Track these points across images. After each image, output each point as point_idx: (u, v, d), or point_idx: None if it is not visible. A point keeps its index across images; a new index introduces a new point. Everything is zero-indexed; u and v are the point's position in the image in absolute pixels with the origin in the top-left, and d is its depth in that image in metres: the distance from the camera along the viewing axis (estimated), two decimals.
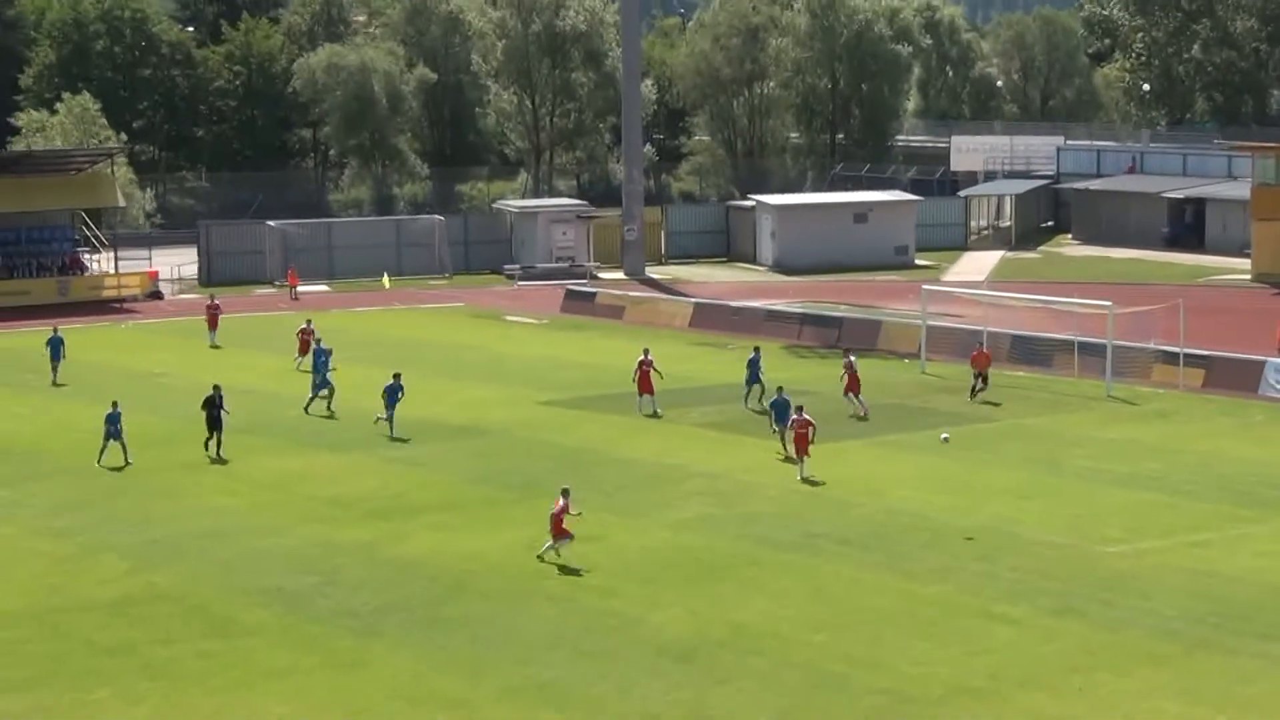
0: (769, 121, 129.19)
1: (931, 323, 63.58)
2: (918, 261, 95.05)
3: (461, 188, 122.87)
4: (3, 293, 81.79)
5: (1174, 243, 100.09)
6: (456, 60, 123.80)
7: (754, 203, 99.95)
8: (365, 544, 38.62)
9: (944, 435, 43.79)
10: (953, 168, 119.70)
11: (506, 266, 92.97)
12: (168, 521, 40.79)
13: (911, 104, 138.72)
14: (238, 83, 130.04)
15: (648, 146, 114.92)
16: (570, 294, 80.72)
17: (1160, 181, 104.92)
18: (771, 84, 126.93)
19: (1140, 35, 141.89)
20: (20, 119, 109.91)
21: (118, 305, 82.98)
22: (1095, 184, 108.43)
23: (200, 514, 41.51)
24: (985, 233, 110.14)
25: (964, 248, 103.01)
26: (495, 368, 62.77)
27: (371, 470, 46.13)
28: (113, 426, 46.70)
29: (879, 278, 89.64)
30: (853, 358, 54.61)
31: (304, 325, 62.20)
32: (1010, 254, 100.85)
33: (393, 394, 49.89)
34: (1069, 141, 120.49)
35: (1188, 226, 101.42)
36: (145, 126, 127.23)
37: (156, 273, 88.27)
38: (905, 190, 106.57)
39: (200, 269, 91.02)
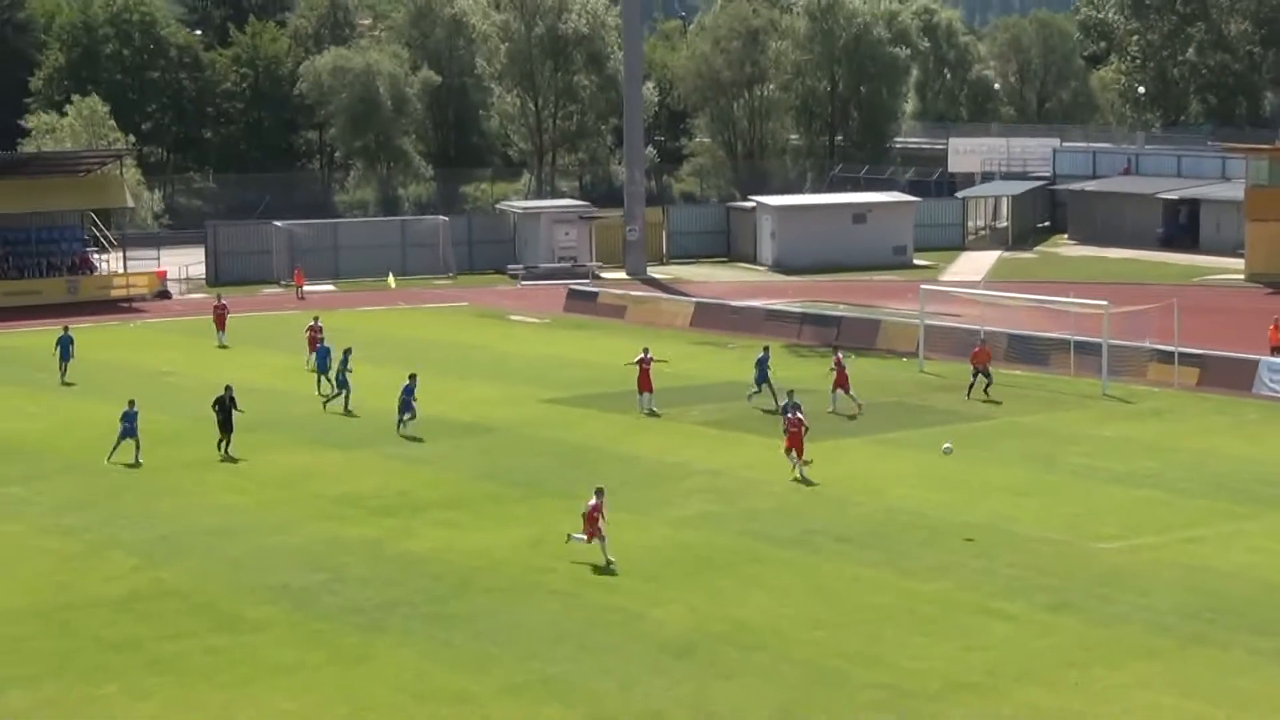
0: (769, 123, 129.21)
1: (929, 322, 63.56)
2: (916, 261, 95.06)
3: (465, 189, 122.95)
4: (13, 292, 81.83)
5: (1169, 243, 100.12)
6: (460, 63, 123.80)
7: (754, 203, 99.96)
8: (371, 541, 38.61)
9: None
10: (950, 169, 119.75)
11: (510, 266, 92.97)
12: (175, 519, 40.77)
13: (909, 106, 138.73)
14: (245, 85, 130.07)
15: (649, 148, 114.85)
16: (573, 293, 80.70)
17: (1155, 183, 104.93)
18: (771, 86, 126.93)
19: (1135, 38, 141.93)
20: (30, 121, 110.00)
21: (126, 305, 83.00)
22: (1091, 185, 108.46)
23: (207, 511, 41.48)
24: (982, 233, 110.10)
25: (961, 248, 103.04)
26: (499, 366, 62.77)
27: (378, 468, 46.12)
28: (128, 424, 46.68)
29: (877, 278, 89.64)
30: (840, 354, 54.51)
31: (311, 324, 62.18)
32: (1007, 254, 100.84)
33: (406, 394, 49.78)
34: (1065, 143, 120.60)
35: (1182, 227, 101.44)
36: (154, 128, 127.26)
37: (164, 273, 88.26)
38: (903, 191, 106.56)
39: (208, 269, 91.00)
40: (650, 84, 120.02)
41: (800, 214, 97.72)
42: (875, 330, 67.53)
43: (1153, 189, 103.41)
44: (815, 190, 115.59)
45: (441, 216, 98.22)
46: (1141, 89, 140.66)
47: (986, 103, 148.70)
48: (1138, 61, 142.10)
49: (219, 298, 72.85)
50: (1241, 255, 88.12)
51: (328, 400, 54.16)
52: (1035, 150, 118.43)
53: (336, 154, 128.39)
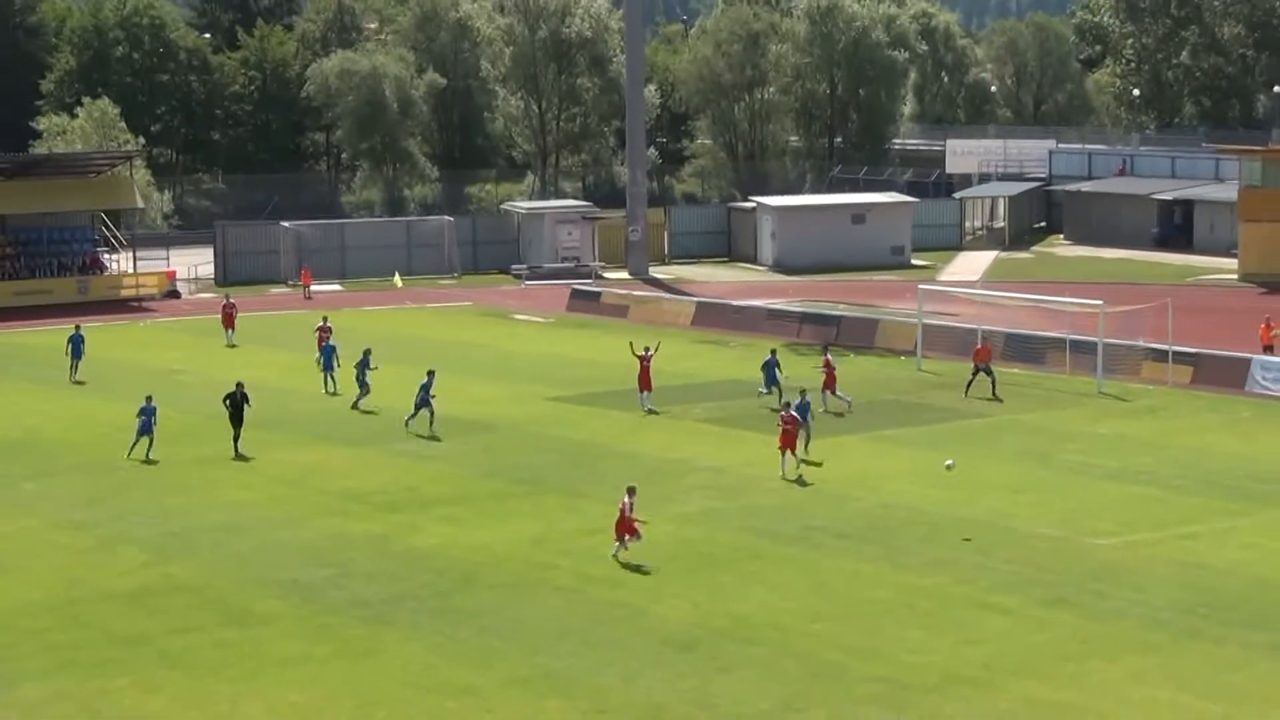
0: (769, 125, 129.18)
1: (927, 321, 63.54)
2: (914, 261, 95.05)
3: (470, 190, 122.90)
4: (24, 291, 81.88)
5: (1163, 243, 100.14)
6: (465, 66, 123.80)
7: (755, 204, 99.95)
8: (378, 537, 38.63)
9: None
10: (948, 170, 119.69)
11: (514, 266, 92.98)
12: (185, 515, 40.80)
13: (908, 108, 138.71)
14: (253, 88, 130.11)
15: (651, 150, 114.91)
16: (576, 293, 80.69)
17: (1150, 184, 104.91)
18: (772, 89, 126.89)
19: (1130, 41, 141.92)
20: (42, 123, 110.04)
21: (136, 304, 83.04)
22: (1086, 186, 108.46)
23: (216, 507, 41.51)
24: (980, 233, 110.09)
25: (959, 248, 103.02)
26: (503, 365, 62.77)
27: (384, 465, 46.14)
28: (145, 420, 46.71)
29: (876, 277, 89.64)
30: (829, 354, 54.46)
31: (320, 323, 62.16)
32: (1004, 254, 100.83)
33: (423, 391, 49.75)
34: (1061, 145, 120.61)
35: (1176, 227, 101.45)
36: (163, 130, 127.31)
37: (174, 272, 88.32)
38: (902, 192, 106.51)
39: (216, 269, 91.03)
40: (652, 87, 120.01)
41: (800, 215, 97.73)
42: (874, 329, 67.54)
43: (1147, 190, 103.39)
44: (815, 191, 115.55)
45: (446, 217, 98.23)
46: (1136, 91, 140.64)
47: (983, 105, 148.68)
48: (1132, 64, 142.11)
49: (227, 297, 72.87)
50: (1235, 255, 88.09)
51: (356, 401, 53.89)
52: (1031, 152, 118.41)
53: (343, 155, 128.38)
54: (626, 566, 35.68)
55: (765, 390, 53.42)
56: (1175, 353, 57.40)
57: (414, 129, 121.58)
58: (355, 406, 53.63)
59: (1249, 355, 57.68)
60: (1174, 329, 57.63)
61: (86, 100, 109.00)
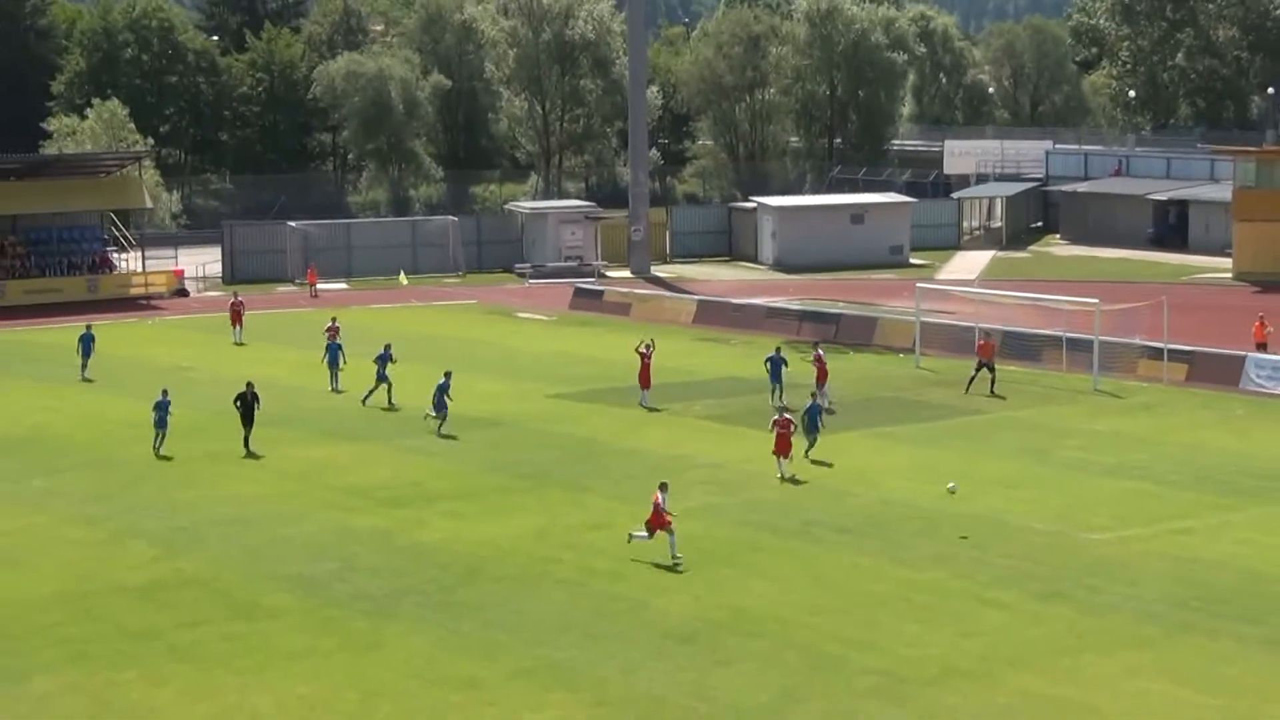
0: (770, 126, 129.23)
1: (925, 319, 63.53)
2: (912, 261, 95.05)
3: (475, 190, 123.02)
4: (35, 290, 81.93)
5: (1158, 243, 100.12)
6: (470, 68, 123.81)
7: (755, 204, 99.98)
8: (383, 531, 38.65)
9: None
10: (946, 171, 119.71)
11: (518, 265, 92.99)
12: (193, 509, 40.82)
13: (906, 110, 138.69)
14: (260, 89, 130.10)
15: (653, 150, 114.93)
16: (579, 292, 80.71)
17: (1145, 184, 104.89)
18: (772, 90, 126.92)
19: (1126, 44, 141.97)
20: (52, 124, 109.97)
21: (145, 302, 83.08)
22: (1083, 186, 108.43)
23: (224, 502, 41.54)
24: (977, 233, 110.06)
25: (957, 247, 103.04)
26: (507, 362, 62.78)
27: (389, 460, 46.16)
28: (160, 414, 46.74)
29: (875, 276, 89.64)
30: (821, 351, 54.40)
31: (330, 323, 62.16)
32: (1001, 253, 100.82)
33: (440, 392, 49.58)
34: (1058, 145, 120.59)
35: (1171, 227, 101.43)
36: (172, 131, 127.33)
37: (182, 271, 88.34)
38: (900, 192, 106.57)
39: (224, 268, 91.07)
40: (654, 88, 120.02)
41: (800, 214, 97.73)
42: (873, 327, 67.55)
43: (1143, 190, 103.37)
44: (815, 191, 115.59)
45: (451, 217, 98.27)
46: (1132, 93, 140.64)
47: (981, 106, 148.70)
48: (1128, 66, 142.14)
49: (235, 295, 72.87)
50: (1229, 254, 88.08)
51: (379, 394, 53.79)
52: (1028, 152, 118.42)
53: (349, 156, 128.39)
54: (660, 565, 35.59)
55: (773, 387, 52.90)
56: (1170, 350, 57.38)
57: (419, 130, 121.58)
58: (383, 406, 53.42)
59: (1243, 353, 57.65)
60: (1169, 327, 57.64)
61: (96, 102, 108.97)
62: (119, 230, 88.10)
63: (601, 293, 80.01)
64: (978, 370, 55.10)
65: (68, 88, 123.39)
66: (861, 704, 27.71)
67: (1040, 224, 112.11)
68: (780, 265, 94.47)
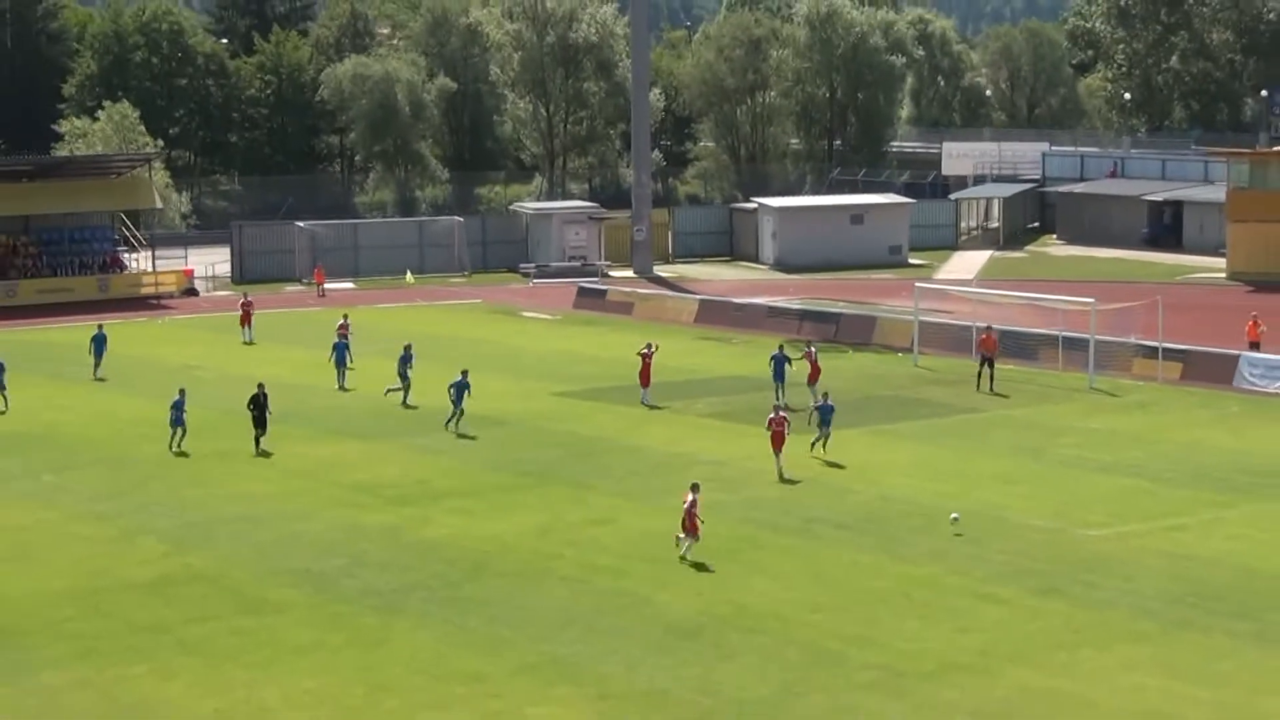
0: (770, 128, 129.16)
1: (924, 318, 63.51)
2: (911, 261, 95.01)
3: (480, 191, 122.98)
4: (46, 290, 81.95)
5: (1153, 243, 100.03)
6: (475, 70, 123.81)
7: (756, 205, 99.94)
8: (390, 528, 38.62)
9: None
10: (944, 172, 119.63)
11: (522, 265, 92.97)
12: (202, 506, 40.80)
13: (905, 112, 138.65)
14: (269, 92, 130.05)
15: (656, 152, 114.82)
16: (582, 291, 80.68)
17: (1140, 185, 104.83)
18: (773, 93, 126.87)
19: (1121, 47, 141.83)
20: (64, 126, 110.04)
21: (155, 302, 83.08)
22: (1079, 187, 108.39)
23: (233, 499, 41.52)
24: (975, 233, 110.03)
25: (954, 248, 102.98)
26: (512, 361, 62.74)
27: (396, 458, 46.14)
28: (176, 413, 46.73)
29: (874, 276, 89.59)
30: (814, 349, 54.32)
31: (341, 321, 62.12)
32: (998, 254, 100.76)
33: (460, 390, 49.52)
34: (1054, 147, 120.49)
35: (1166, 227, 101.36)
36: (181, 133, 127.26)
37: (191, 271, 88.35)
38: (899, 193, 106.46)
39: (233, 267, 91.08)
40: (657, 91, 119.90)
41: (800, 215, 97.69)
42: (872, 326, 67.51)
43: (1138, 191, 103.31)
44: (815, 192, 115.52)
45: (457, 217, 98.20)
46: (1127, 95, 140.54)
47: (979, 108, 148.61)
48: (1124, 69, 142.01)
49: (245, 295, 72.76)
50: (1223, 255, 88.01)
51: (400, 393, 53.64)
52: (1025, 154, 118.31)
53: (356, 158, 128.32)
54: (695, 564, 35.56)
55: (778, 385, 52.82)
56: (1165, 349, 57.33)
57: (425, 132, 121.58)
58: (404, 405, 53.32)
59: (1237, 352, 57.61)
60: (1164, 326, 57.59)
61: (107, 104, 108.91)
62: (129, 231, 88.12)
63: (605, 292, 79.98)
64: (982, 365, 55.09)
65: (79, 90, 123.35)
66: (861, 698, 27.69)
67: (1037, 224, 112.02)
68: (781, 265, 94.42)
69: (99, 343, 60.02)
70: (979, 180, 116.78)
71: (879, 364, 61.35)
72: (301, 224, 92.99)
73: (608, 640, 30.53)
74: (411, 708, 27.44)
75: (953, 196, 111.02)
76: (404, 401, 53.29)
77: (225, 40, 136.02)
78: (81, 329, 64.01)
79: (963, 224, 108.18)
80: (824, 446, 44.87)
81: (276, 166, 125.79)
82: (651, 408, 52.71)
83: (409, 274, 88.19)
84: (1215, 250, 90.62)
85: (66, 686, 28.57)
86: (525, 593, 33.43)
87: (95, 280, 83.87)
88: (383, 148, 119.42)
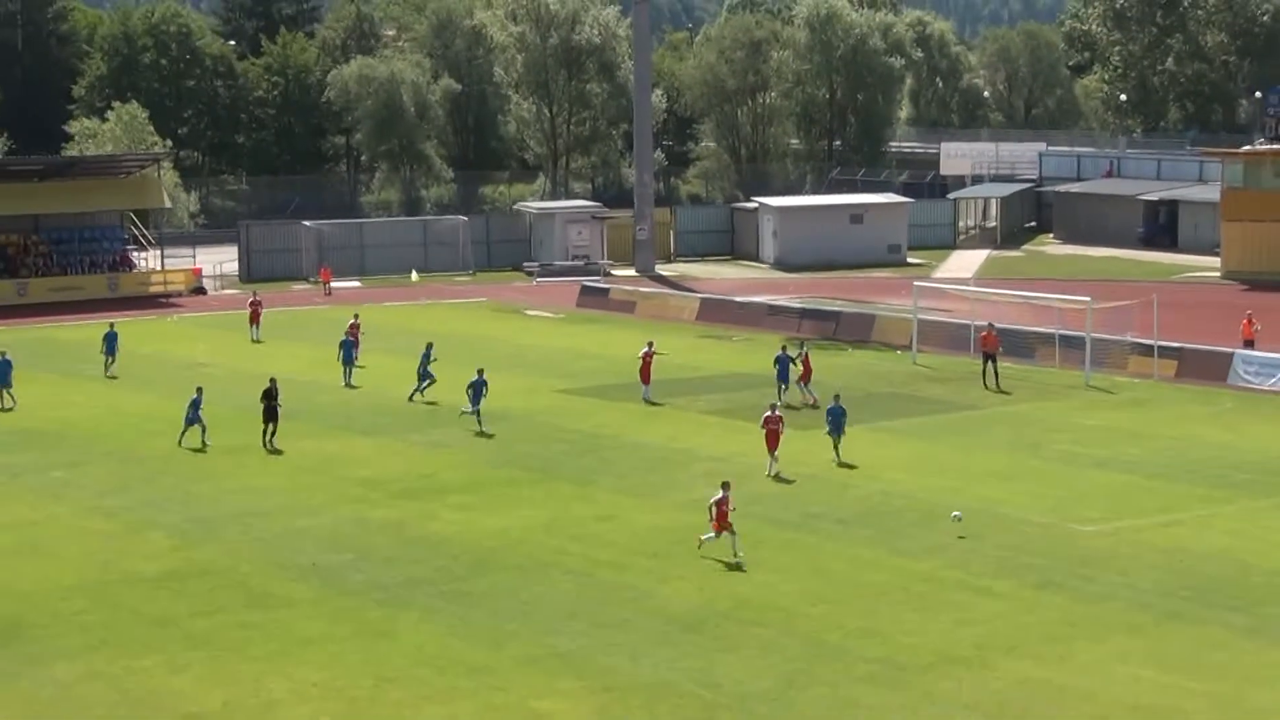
0: (771, 129, 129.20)
1: (922, 317, 63.52)
2: (909, 260, 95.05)
3: (484, 190, 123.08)
4: (57, 288, 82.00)
5: (1149, 242, 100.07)
6: (479, 72, 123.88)
7: (757, 204, 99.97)
8: (395, 522, 38.64)
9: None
10: (942, 172, 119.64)
11: (526, 264, 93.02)
12: (210, 501, 40.82)
13: (904, 113, 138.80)
14: (276, 93, 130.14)
15: (658, 152, 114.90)
16: (586, 290, 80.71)
17: (1136, 185, 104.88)
18: (773, 94, 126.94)
19: (1117, 49, 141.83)
20: (73, 126, 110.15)
21: (164, 300, 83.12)
22: (1075, 187, 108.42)
23: (241, 494, 41.52)
24: (972, 233, 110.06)
25: (953, 247, 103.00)
26: (516, 358, 62.73)
27: (402, 453, 46.16)
28: (193, 412, 46.78)
29: (873, 275, 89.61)
30: (807, 348, 54.26)
31: (352, 320, 62.11)
32: (996, 253, 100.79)
33: (478, 389, 49.44)
34: (1051, 147, 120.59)
35: (1162, 227, 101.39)
36: (190, 133, 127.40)
37: (200, 270, 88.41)
38: (898, 193, 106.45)
39: (240, 266, 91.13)
40: (659, 92, 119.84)
41: (800, 214, 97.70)
42: (871, 324, 67.52)
43: (1134, 191, 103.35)
44: (815, 192, 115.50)
45: (461, 217, 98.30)
46: (1123, 96, 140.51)
47: (977, 109, 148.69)
48: (1119, 70, 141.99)
49: (254, 294, 72.72)
50: (1217, 254, 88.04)
51: (421, 390, 53.60)
52: (1023, 154, 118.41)
53: (362, 158, 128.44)
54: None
55: (784, 387, 52.62)
56: (1160, 347, 57.35)
57: (430, 132, 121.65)
58: (424, 400, 53.19)
59: (1231, 349, 57.62)
60: (1159, 324, 57.60)
61: (116, 104, 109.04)
62: (138, 230, 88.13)
63: (607, 291, 80.00)
64: (985, 363, 55.12)
65: (89, 91, 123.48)
66: (861, 689, 27.70)
67: (1034, 224, 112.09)
68: (781, 264, 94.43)
69: (110, 341, 60.00)
70: (977, 180, 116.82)
71: (878, 361, 61.37)
72: (308, 223, 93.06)
73: (611, 633, 30.54)
74: (417, 700, 27.46)
75: (951, 196, 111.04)
76: (411, 396, 53.28)
77: (233, 42, 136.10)
78: (91, 327, 64.04)
79: (961, 223, 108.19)
80: (837, 450, 44.61)
81: (283, 166, 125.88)
82: (652, 404, 52.74)
83: (414, 272, 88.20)
84: (1210, 249, 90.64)
85: (78, 678, 28.59)
86: (529, 586, 33.44)
87: (105, 279, 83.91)
88: (388, 148, 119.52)
